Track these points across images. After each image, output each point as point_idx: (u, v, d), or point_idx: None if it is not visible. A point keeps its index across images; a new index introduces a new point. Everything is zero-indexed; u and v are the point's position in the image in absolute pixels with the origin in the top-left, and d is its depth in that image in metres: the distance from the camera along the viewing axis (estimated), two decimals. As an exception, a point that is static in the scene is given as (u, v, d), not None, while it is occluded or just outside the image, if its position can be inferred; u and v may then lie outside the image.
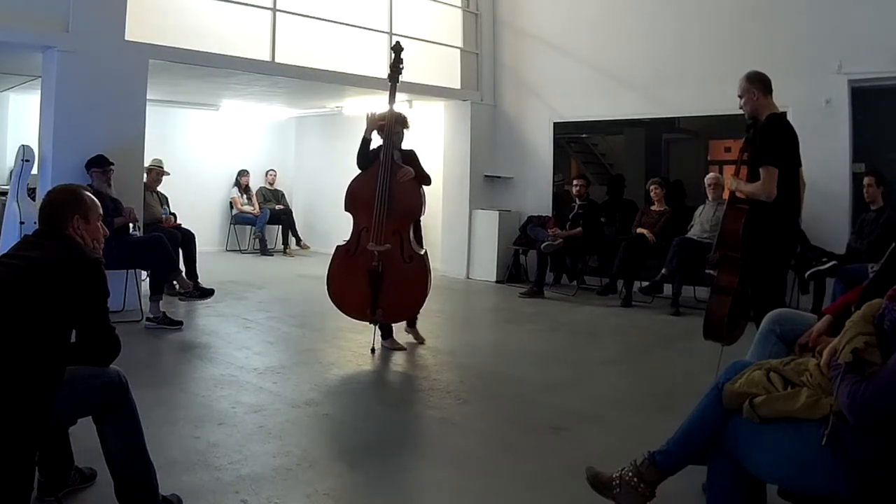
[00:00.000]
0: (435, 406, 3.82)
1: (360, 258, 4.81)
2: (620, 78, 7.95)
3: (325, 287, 4.98)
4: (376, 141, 4.90)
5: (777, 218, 3.74)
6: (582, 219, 7.64)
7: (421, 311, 5.18)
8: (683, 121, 7.88)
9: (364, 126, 4.93)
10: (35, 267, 2.16)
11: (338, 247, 4.96)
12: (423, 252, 4.92)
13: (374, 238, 4.73)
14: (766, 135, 3.75)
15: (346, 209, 4.94)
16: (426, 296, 4.91)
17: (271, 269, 9.22)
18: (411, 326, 5.25)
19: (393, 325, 5.08)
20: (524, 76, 8.90)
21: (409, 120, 5.11)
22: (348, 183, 4.92)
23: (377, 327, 4.97)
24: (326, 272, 4.98)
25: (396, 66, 4.94)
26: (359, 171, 4.89)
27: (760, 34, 6.90)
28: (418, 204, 4.86)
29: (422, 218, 5.05)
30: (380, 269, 4.72)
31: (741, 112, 4.01)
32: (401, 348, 5.01)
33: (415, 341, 5.18)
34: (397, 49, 4.99)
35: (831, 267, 5.68)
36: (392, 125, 4.84)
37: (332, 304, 5.01)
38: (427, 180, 4.99)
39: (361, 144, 4.87)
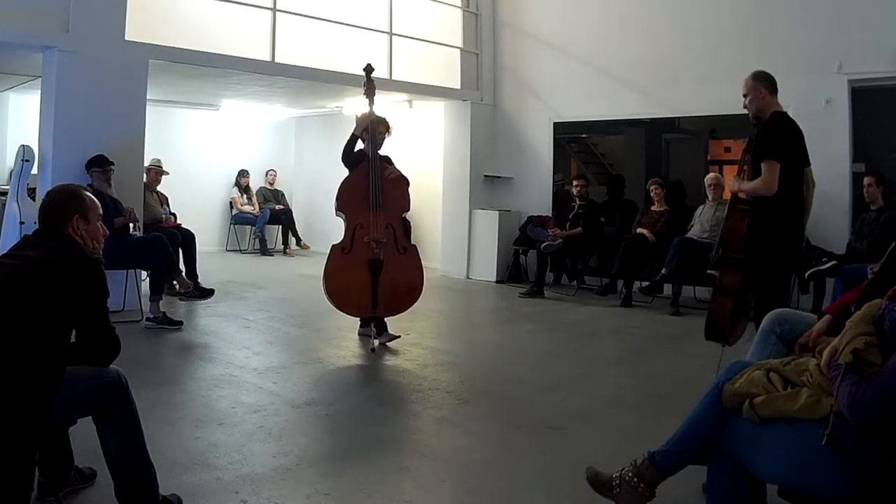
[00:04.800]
0: (435, 406, 3.82)
1: (357, 254, 4.92)
2: (620, 78, 7.95)
3: (322, 288, 4.98)
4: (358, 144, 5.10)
5: (780, 218, 3.69)
6: (582, 219, 7.64)
7: (413, 310, 5.27)
8: (683, 121, 7.87)
9: (353, 125, 5.12)
10: (35, 267, 2.16)
11: (333, 246, 5.02)
12: (413, 245, 5.24)
13: (373, 230, 4.88)
14: (769, 131, 3.72)
15: (339, 209, 5.04)
16: (422, 286, 5.16)
17: (271, 269, 9.21)
18: (380, 334, 5.09)
19: (385, 319, 5.15)
20: (524, 76, 8.89)
21: (391, 127, 5.23)
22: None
23: (372, 326, 5.02)
24: (322, 273, 4.99)
25: (370, 90, 5.10)
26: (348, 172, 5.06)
27: (760, 34, 6.90)
28: (407, 199, 5.17)
29: (410, 216, 5.44)
30: (381, 256, 4.89)
31: (741, 112, 3.99)
32: (395, 337, 5.09)
33: (391, 339, 5.07)
34: (368, 70, 5.16)
35: (831, 267, 5.68)
36: (376, 126, 5.02)
37: (329, 304, 5.02)
38: (406, 180, 5.23)
39: (350, 141, 5.03)
